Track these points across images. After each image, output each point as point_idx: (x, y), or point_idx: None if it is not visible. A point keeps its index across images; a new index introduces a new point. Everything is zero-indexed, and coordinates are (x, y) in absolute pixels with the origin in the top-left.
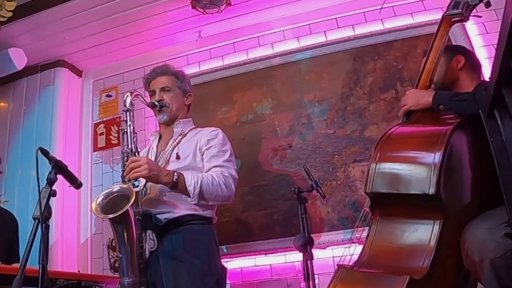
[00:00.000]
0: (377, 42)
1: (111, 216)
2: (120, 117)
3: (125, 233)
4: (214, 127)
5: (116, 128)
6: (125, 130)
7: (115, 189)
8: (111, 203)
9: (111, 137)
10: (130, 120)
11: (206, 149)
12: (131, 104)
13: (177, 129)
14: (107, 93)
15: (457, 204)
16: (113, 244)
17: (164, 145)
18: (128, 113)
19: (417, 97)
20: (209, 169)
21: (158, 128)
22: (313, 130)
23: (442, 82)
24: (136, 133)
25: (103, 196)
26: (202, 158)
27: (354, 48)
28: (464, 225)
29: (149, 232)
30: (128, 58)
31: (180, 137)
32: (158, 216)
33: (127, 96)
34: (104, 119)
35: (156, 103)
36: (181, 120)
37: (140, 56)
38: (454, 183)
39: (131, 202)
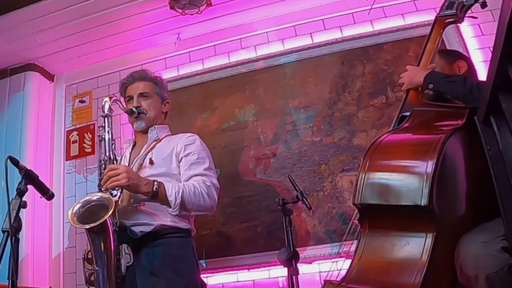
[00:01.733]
0: (366, 44)
1: (88, 226)
2: (94, 124)
3: (102, 245)
4: (190, 133)
5: (90, 136)
6: (103, 136)
7: (94, 198)
8: (88, 213)
9: (84, 145)
10: (108, 127)
11: (185, 156)
12: (110, 109)
13: (151, 134)
14: (81, 99)
15: (450, 216)
16: (89, 256)
17: (138, 151)
18: (106, 119)
19: (412, 75)
20: (190, 178)
21: (133, 137)
22: (298, 138)
23: None
24: (114, 140)
25: (80, 205)
26: (178, 165)
27: (342, 51)
28: (458, 238)
29: (124, 246)
30: (102, 61)
31: (154, 142)
32: (133, 228)
33: (106, 101)
34: (77, 126)
35: (134, 109)
36: (156, 126)
37: (115, 59)
38: (447, 194)
39: (111, 212)
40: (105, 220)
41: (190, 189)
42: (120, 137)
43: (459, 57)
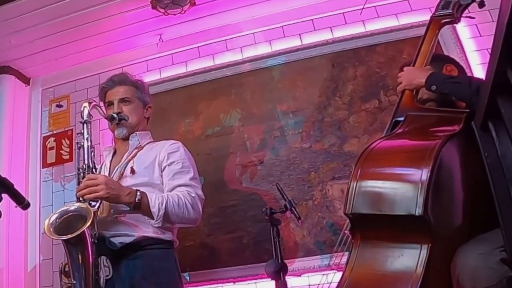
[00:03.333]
0: (358, 46)
1: (65, 237)
2: (72, 129)
3: (80, 257)
4: (173, 140)
5: (68, 142)
6: (82, 144)
7: (72, 208)
8: (66, 223)
9: (62, 151)
10: (87, 133)
11: (168, 165)
12: (89, 115)
13: (132, 141)
14: (58, 103)
15: (446, 226)
16: (66, 269)
17: (119, 159)
18: (85, 125)
19: (411, 76)
20: (174, 188)
21: (113, 144)
22: (286, 144)
23: (438, 96)
24: (93, 147)
25: (57, 215)
26: (161, 174)
27: (333, 53)
28: (455, 249)
29: (103, 258)
30: (81, 64)
31: (136, 150)
32: (112, 239)
33: (85, 106)
34: (54, 132)
35: (115, 115)
36: (137, 132)
37: (94, 62)
38: (443, 203)
39: (89, 223)
40: (83, 231)
41: (174, 200)
42: (99, 144)
43: (446, 60)
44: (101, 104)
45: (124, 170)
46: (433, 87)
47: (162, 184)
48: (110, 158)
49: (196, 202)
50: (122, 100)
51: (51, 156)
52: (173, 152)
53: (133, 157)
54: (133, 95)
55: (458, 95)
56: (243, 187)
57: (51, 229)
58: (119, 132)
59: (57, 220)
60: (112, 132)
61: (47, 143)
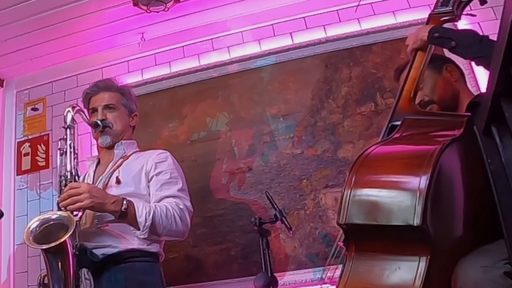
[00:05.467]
0: (353, 45)
1: (46, 246)
2: (48, 134)
3: (60, 268)
4: (161, 150)
5: (44, 148)
6: (65, 149)
7: (53, 217)
8: (46, 233)
9: (37, 158)
10: (70, 139)
11: (155, 175)
12: (73, 120)
13: (118, 150)
14: (33, 106)
15: (447, 237)
16: (45, 282)
17: (103, 169)
18: (68, 130)
19: (416, 33)
20: (161, 199)
21: (92, 152)
22: (277, 150)
23: (443, 99)
24: (77, 154)
25: (38, 223)
26: (148, 185)
27: (326, 53)
28: (456, 262)
29: (84, 270)
30: (57, 64)
31: (121, 159)
32: (94, 251)
33: (68, 111)
34: (30, 137)
35: (99, 122)
36: (123, 141)
37: (72, 62)
38: (443, 213)
39: (71, 232)
40: (64, 241)
41: (162, 211)
42: (77, 149)
43: (446, 60)
44: (85, 111)
45: (108, 180)
46: (436, 34)
47: (149, 195)
48: (94, 168)
49: (185, 214)
50: (106, 107)
51: (26, 163)
52: (161, 161)
53: (118, 166)
54: (118, 102)
55: (458, 40)
56: (230, 196)
57: (31, 238)
58: (103, 140)
59: (37, 229)
60: (96, 140)
61: (21, 148)
